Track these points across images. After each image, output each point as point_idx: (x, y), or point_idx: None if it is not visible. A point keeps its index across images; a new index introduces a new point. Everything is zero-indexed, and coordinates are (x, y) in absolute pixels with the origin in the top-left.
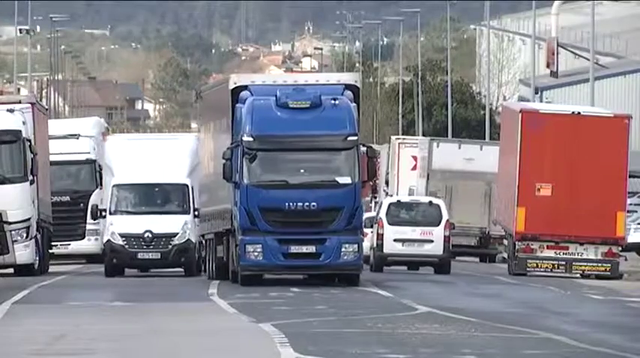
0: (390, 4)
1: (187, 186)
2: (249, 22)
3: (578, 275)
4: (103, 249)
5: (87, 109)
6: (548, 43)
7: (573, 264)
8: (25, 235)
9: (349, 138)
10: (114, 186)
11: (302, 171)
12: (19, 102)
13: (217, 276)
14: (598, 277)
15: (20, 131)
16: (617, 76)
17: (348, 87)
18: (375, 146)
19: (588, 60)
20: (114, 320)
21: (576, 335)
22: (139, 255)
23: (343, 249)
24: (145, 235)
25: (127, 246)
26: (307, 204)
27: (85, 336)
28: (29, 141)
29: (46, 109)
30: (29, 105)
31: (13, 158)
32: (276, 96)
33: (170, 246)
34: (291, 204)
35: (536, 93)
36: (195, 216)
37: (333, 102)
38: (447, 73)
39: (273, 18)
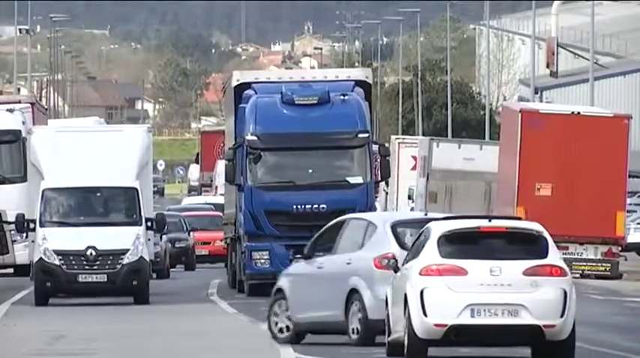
0: (390, 4)
1: (137, 190)
2: (249, 22)
3: (577, 275)
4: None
5: (87, 109)
6: (548, 43)
7: (573, 263)
8: (24, 235)
9: (360, 136)
10: (45, 190)
11: (310, 170)
12: (19, 102)
13: (232, 284)
14: (598, 277)
15: (20, 131)
16: (616, 76)
17: (358, 83)
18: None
19: (588, 60)
20: (114, 320)
21: (576, 335)
22: (80, 278)
23: None
24: (88, 252)
25: (64, 267)
26: (316, 206)
27: (85, 336)
28: None
29: (46, 109)
30: (29, 105)
31: (13, 158)
32: (281, 92)
33: (119, 266)
34: (299, 206)
35: (536, 93)
36: (148, 228)
37: (342, 98)
38: (446, 73)
39: (273, 18)
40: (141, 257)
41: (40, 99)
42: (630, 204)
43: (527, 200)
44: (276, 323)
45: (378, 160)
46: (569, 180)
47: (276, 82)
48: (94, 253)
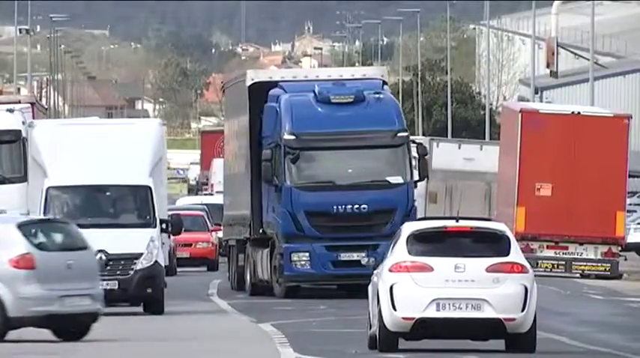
0: (390, 4)
1: (150, 188)
2: (249, 22)
3: (577, 275)
4: None
5: (87, 109)
6: (548, 43)
7: (573, 263)
8: None
9: (399, 134)
10: (49, 189)
11: (350, 170)
12: (19, 102)
13: (237, 287)
14: (598, 277)
15: (20, 131)
16: (617, 76)
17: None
18: None
19: (588, 60)
20: (114, 320)
21: (576, 335)
22: None
23: None
24: (97, 257)
25: None
26: (357, 206)
27: (84, 336)
28: None
29: (46, 109)
30: (29, 105)
31: (13, 158)
32: (314, 91)
33: (132, 272)
34: (339, 206)
35: (536, 93)
36: (162, 231)
37: (376, 96)
38: (446, 73)
39: (273, 18)
40: (155, 262)
41: (40, 99)
42: (630, 204)
43: (527, 200)
44: None
45: (416, 159)
46: (569, 180)
47: (307, 80)
48: (104, 258)
